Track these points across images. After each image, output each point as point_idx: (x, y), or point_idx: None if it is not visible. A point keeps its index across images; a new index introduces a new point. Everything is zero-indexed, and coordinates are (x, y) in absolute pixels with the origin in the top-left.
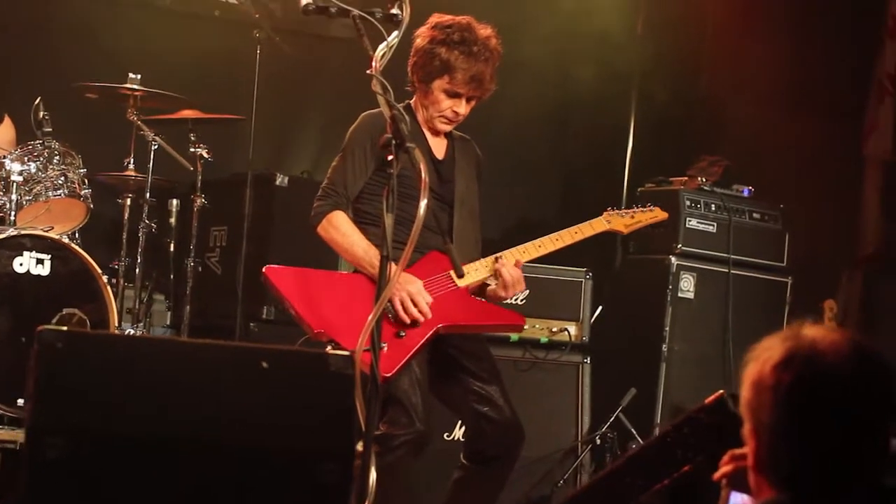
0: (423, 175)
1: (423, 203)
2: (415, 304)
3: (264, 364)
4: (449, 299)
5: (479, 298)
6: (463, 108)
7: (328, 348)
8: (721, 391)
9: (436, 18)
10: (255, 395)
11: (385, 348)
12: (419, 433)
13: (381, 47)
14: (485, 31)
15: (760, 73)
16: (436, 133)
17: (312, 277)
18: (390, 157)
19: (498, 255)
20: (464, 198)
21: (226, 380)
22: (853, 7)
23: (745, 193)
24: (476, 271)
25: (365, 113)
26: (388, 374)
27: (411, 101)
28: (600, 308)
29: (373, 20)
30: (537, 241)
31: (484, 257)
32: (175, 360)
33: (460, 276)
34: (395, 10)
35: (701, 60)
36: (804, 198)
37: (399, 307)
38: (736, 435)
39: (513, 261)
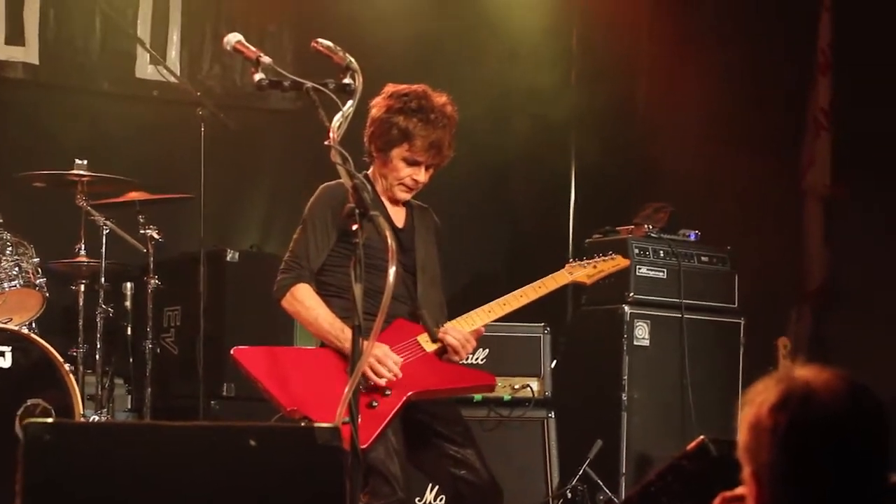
0: (389, 242)
1: (393, 270)
2: (384, 366)
3: (252, 442)
4: (418, 365)
5: (448, 362)
6: (422, 175)
7: (302, 424)
8: (702, 437)
9: (391, 88)
10: (246, 473)
11: (359, 420)
12: (400, 501)
13: (337, 118)
14: (440, 98)
15: (695, 114)
16: (395, 202)
17: (280, 355)
18: (355, 227)
19: (447, 322)
20: (425, 265)
21: (216, 461)
22: (784, 43)
23: (692, 237)
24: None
25: (324, 185)
26: (364, 445)
27: (368, 172)
28: (554, 362)
29: (327, 91)
30: (501, 300)
31: (450, 320)
32: (165, 445)
33: (434, 340)
34: (347, 80)
35: (635, 105)
36: (749, 236)
37: (370, 373)
38: (719, 480)
39: (470, 325)
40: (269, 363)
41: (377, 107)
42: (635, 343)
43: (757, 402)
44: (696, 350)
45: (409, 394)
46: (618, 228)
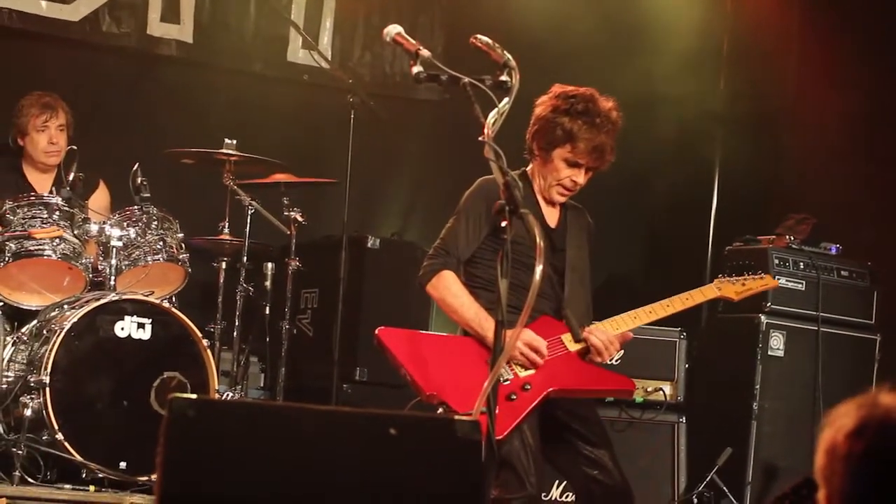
0: (538, 241)
1: (539, 269)
2: (534, 350)
3: (392, 431)
4: (560, 363)
5: (589, 363)
6: (581, 178)
7: (439, 411)
8: None
9: (558, 88)
10: (384, 462)
11: (497, 411)
12: (530, 497)
13: (493, 114)
14: (607, 103)
15: (842, 128)
16: (550, 202)
17: (424, 340)
18: (504, 223)
19: (596, 323)
20: (575, 265)
21: (354, 447)
22: None
23: (833, 251)
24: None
25: (482, 178)
26: (499, 437)
27: (527, 169)
28: (686, 366)
29: (484, 87)
30: (648, 308)
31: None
32: (306, 428)
33: (578, 340)
34: (504, 78)
35: (783, 116)
36: (890, 253)
37: (519, 356)
38: None
39: (615, 328)
40: (412, 346)
41: (542, 105)
42: (770, 353)
43: (835, 426)
44: (830, 364)
45: (549, 390)
46: (759, 237)
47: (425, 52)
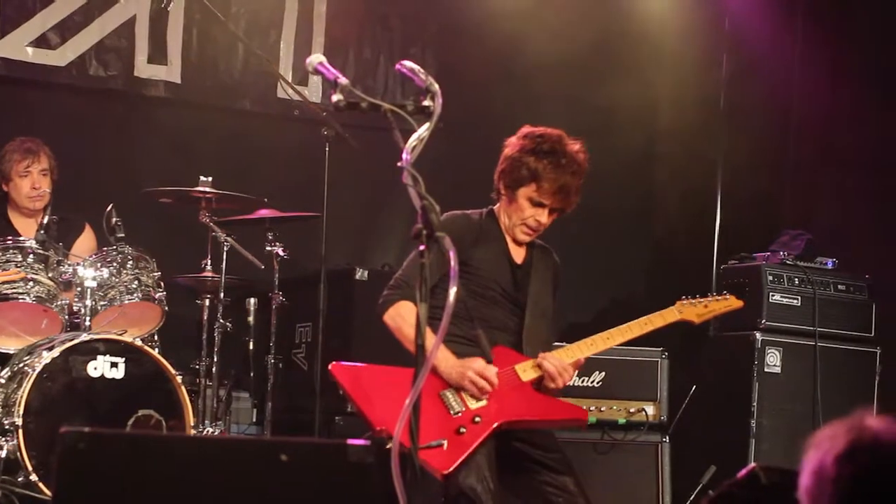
0: (452, 264)
1: (453, 290)
2: (484, 378)
3: (283, 457)
4: (511, 394)
5: (542, 393)
6: (545, 217)
7: (388, 445)
8: (753, 464)
9: (526, 129)
10: (276, 489)
11: (445, 445)
12: None
13: (412, 139)
14: (574, 145)
15: (845, 144)
16: (517, 241)
17: (377, 374)
18: (422, 247)
19: (548, 352)
20: (537, 299)
21: (247, 475)
22: None
23: (829, 265)
24: (532, 369)
25: (449, 212)
26: (447, 471)
27: (494, 208)
28: (694, 387)
29: (403, 114)
30: (605, 334)
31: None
32: (197, 458)
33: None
34: (426, 103)
35: (787, 135)
36: (890, 266)
37: (471, 387)
38: None
39: (570, 356)
40: (363, 381)
41: (511, 146)
42: (766, 370)
43: (823, 448)
44: (829, 378)
45: (498, 423)
46: (754, 255)
47: (343, 80)
